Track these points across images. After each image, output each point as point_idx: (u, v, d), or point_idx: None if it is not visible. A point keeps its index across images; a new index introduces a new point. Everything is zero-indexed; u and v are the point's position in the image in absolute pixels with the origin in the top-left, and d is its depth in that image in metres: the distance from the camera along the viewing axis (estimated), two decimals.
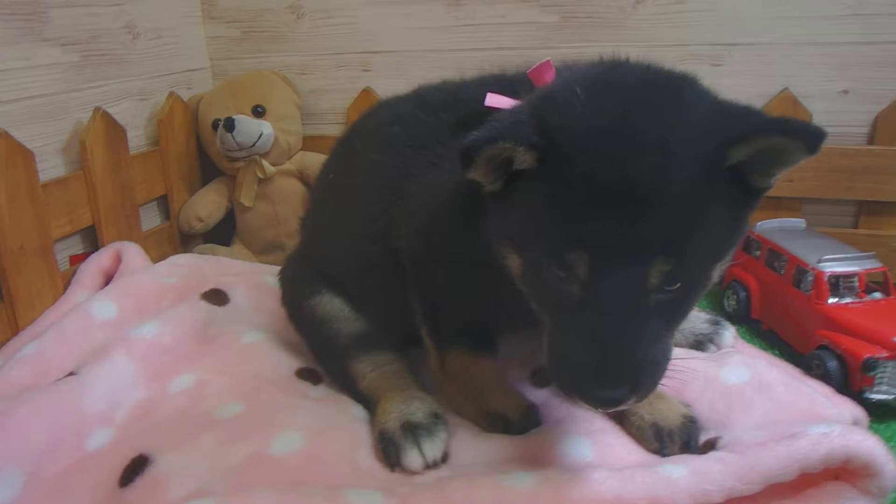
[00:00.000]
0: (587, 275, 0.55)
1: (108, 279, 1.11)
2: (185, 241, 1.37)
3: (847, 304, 0.97)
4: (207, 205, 1.34)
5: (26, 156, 1.00)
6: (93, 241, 1.17)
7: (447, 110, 0.81)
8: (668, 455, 0.73)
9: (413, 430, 0.72)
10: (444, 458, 0.73)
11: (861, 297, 0.98)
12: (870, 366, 0.88)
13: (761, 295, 1.10)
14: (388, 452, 0.71)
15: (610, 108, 0.56)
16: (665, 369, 0.58)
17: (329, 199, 0.94)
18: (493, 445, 0.75)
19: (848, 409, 0.79)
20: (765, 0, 1.19)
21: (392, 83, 1.37)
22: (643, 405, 0.76)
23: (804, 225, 1.17)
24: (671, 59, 1.23)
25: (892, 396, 0.88)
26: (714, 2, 1.21)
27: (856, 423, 0.78)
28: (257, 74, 1.37)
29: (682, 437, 0.74)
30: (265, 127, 1.29)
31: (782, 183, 1.19)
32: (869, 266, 1.00)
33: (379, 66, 1.39)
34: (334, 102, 1.43)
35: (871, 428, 0.85)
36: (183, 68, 1.41)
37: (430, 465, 0.70)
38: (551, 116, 0.57)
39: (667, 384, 0.75)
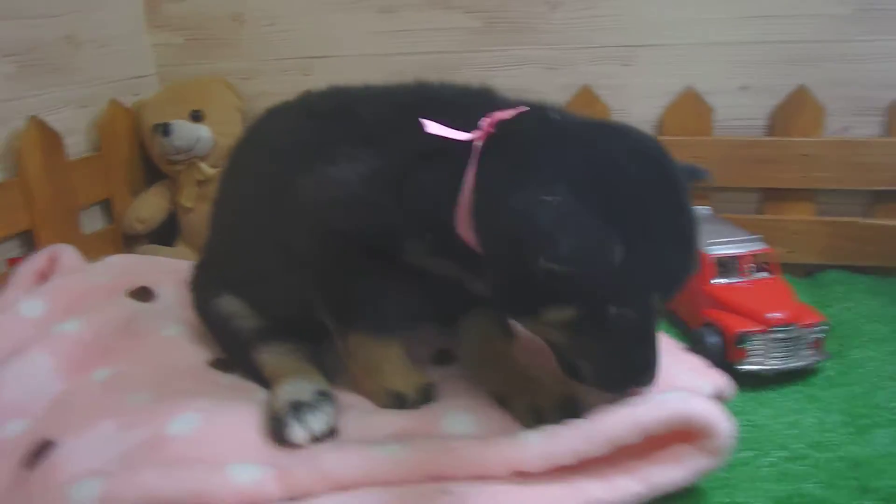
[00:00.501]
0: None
1: (43, 281, 1.15)
2: (130, 242, 1.43)
3: (730, 283, 1.04)
4: (149, 207, 1.40)
5: None
6: (31, 244, 1.23)
7: (337, 120, 0.85)
8: None
9: (298, 407, 0.77)
10: (332, 433, 0.78)
11: (745, 277, 1.05)
12: (742, 339, 0.95)
13: None
14: (275, 429, 0.77)
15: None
16: None
17: (222, 209, 1.00)
18: (384, 421, 0.80)
19: (712, 380, 0.85)
20: (669, 4, 1.27)
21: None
22: (521, 388, 0.82)
23: (709, 212, 1.25)
24: (585, 59, 1.32)
25: (761, 367, 0.96)
26: (622, 7, 1.29)
27: (718, 393, 0.84)
28: (197, 80, 1.44)
29: (559, 418, 0.76)
30: (203, 131, 1.36)
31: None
32: (753, 248, 1.07)
33: (319, 70, 1.46)
34: None
35: (743, 396, 0.93)
36: (128, 75, 1.47)
37: (316, 439, 0.76)
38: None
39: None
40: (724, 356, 0.97)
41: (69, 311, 1.05)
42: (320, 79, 1.44)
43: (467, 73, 1.38)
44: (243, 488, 0.69)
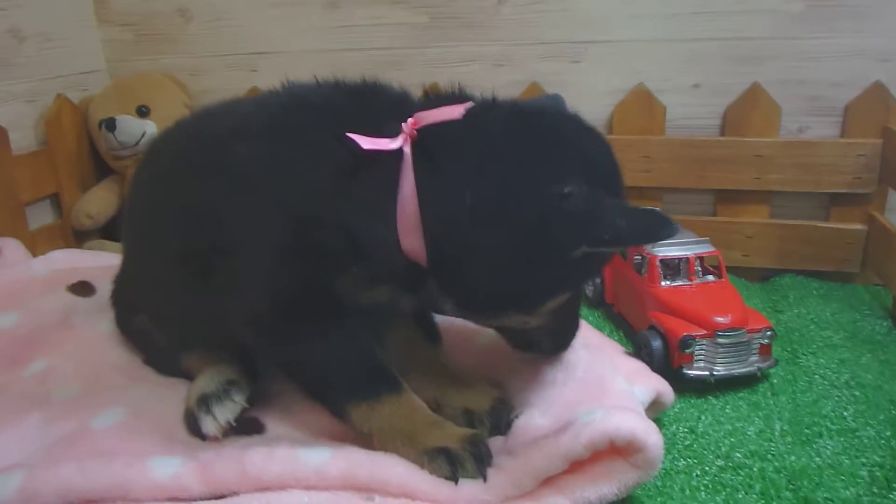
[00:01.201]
0: None
1: None
2: (80, 237, 1.41)
3: (677, 286, 1.02)
4: (97, 202, 1.38)
5: None
6: None
7: (235, 137, 0.76)
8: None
9: (206, 400, 0.77)
10: (250, 422, 0.78)
11: (692, 280, 1.03)
12: (686, 343, 0.93)
13: (613, 281, 1.16)
14: (190, 424, 0.77)
15: None
16: None
17: (133, 230, 0.91)
18: (311, 417, 0.79)
19: (650, 386, 0.84)
20: None
21: (277, 82, 1.41)
22: (453, 393, 0.80)
23: None
24: (533, 56, 1.30)
25: (706, 373, 0.94)
26: (571, 2, 1.27)
27: (657, 397, 0.83)
28: (144, 76, 1.42)
29: (491, 420, 0.78)
30: (149, 126, 1.34)
31: (640, 174, 1.27)
32: (700, 250, 1.05)
33: (265, 66, 1.44)
34: None
35: (686, 402, 0.92)
36: (76, 70, 1.44)
37: (231, 428, 0.76)
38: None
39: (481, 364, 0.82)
40: (668, 360, 0.95)
41: (7, 305, 1.04)
42: (266, 75, 1.43)
43: (413, 70, 1.36)
44: (162, 482, 0.67)
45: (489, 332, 0.95)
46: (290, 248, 0.70)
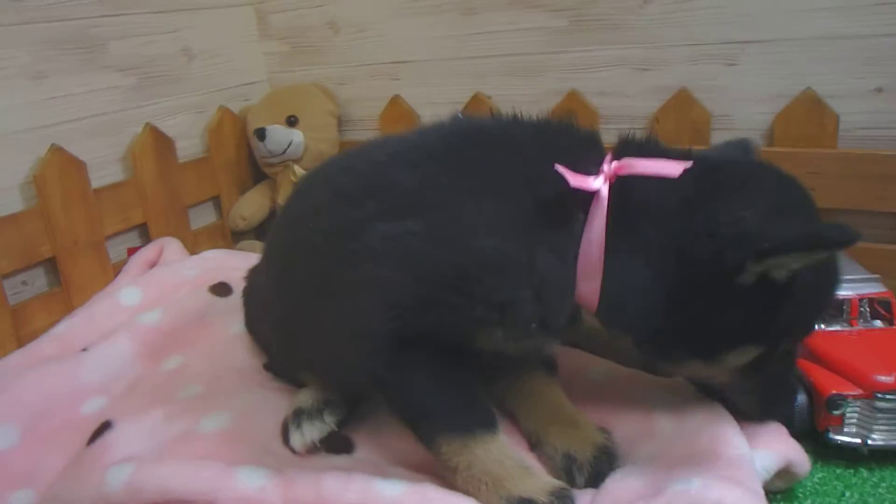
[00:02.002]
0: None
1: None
2: (236, 237, 1.54)
3: (833, 332, 0.87)
4: (250, 205, 1.49)
5: (79, 166, 1.20)
6: (147, 235, 1.36)
7: (370, 197, 0.70)
8: (577, 486, 0.72)
9: (299, 415, 0.80)
10: (340, 441, 0.80)
11: (853, 326, 0.88)
12: (836, 404, 0.79)
13: None
14: (284, 434, 0.80)
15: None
16: None
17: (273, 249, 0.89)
18: (401, 444, 0.79)
19: (779, 450, 0.72)
20: None
21: (418, 90, 1.45)
22: (557, 431, 0.76)
23: None
24: (682, 58, 1.18)
25: (859, 441, 0.79)
26: None
27: (788, 467, 0.72)
28: (296, 87, 1.51)
29: (590, 470, 0.73)
30: (296, 135, 1.42)
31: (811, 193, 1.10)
32: (868, 290, 0.88)
33: (406, 74, 1.46)
34: (368, 110, 1.52)
35: (830, 474, 0.79)
36: (239, 83, 1.57)
37: (311, 447, 0.78)
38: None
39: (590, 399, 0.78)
40: (812, 421, 0.82)
41: (158, 302, 1.15)
42: (408, 83, 1.45)
43: (551, 75, 1.29)
44: (247, 493, 0.71)
45: (604, 366, 0.89)
46: (445, 283, 0.64)
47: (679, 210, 0.64)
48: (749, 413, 0.75)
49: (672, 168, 0.65)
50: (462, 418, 0.69)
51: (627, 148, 0.69)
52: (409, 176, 0.69)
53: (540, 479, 0.68)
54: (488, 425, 0.70)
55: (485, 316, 0.65)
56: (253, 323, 1.02)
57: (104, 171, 1.28)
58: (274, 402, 0.88)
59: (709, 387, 0.77)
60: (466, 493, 0.68)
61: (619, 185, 0.66)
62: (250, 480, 0.72)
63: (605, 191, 0.65)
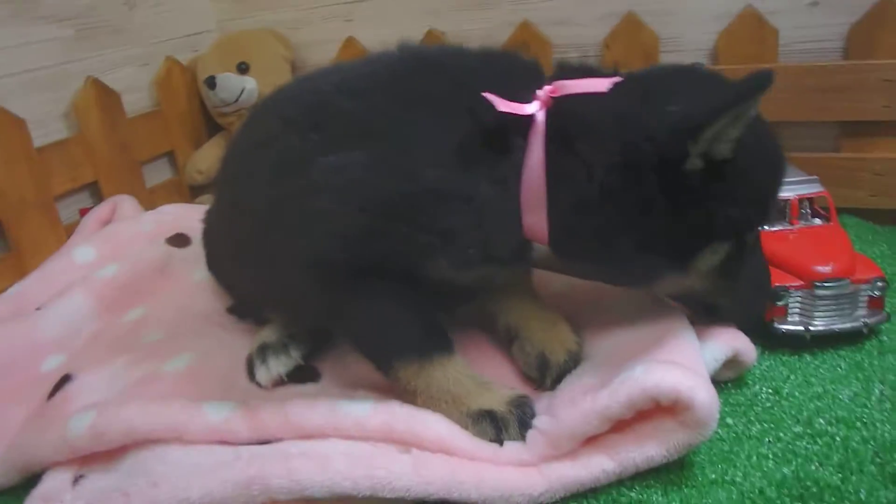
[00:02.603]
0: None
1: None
2: (195, 192, 1.52)
3: (776, 231, 0.91)
4: (206, 158, 1.47)
5: (18, 123, 1.16)
6: (99, 195, 1.33)
7: (314, 129, 0.70)
8: (543, 388, 0.76)
9: (264, 350, 0.81)
10: (304, 372, 0.81)
11: (794, 224, 0.92)
12: (778, 295, 0.83)
13: None
14: (248, 371, 0.82)
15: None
16: None
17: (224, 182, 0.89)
18: (367, 369, 0.79)
19: (726, 341, 0.76)
20: None
21: (372, 31, 1.44)
22: (536, 328, 0.79)
23: None
24: None
25: (801, 328, 0.83)
26: None
27: (736, 356, 0.76)
28: (246, 33, 1.48)
29: (559, 373, 0.76)
30: (248, 82, 1.40)
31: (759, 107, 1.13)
32: (806, 191, 0.93)
33: (359, 15, 1.44)
34: (322, 54, 1.50)
35: (775, 360, 0.83)
36: (186, 32, 1.53)
37: (278, 381, 0.80)
38: None
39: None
40: None
41: (113, 257, 1.14)
42: (361, 24, 1.44)
43: (504, 7, 1.30)
44: (214, 425, 0.72)
45: (566, 279, 0.91)
46: (390, 213, 0.65)
47: (614, 124, 0.64)
48: (727, 314, 0.76)
49: (601, 84, 0.66)
50: (418, 343, 0.71)
51: (562, 73, 0.70)
52: (353, 105, 0.69)
53: (497, 392, 0.71)
54: (444, 348, 0.71)
55: (428, 244, 0.66)
56: (214, 263, 1.01)
57: (47, 128, 1.25)
58: (238, 342, 0.89)
59: (687, 301, 0.77)
60: (428, 409, 0.70)
61: (555, 110, 0.67)
62: (217, 413, 0.73)
63: (540, 116, 0.66)
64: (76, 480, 0.72)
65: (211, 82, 1.38)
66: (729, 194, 0.65)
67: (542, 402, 0.73)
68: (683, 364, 0.67)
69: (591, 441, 0.66)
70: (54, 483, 0.71)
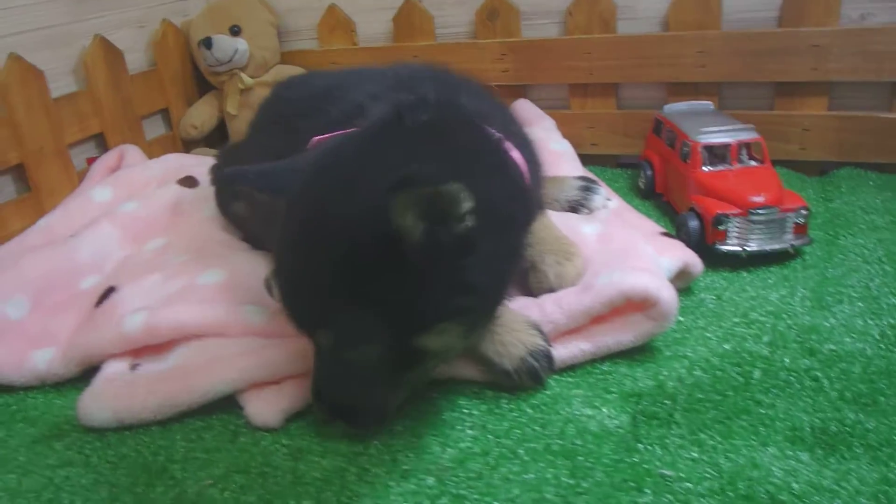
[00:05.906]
0: None
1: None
2: (187, 146, 1.61)
3: (718, 171, 1.08)
4: (200, 114, 1.57)
5: (38, 75, 1.25)
6: (104, 146, 1.42)
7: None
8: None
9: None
10: None
11: (733, 165, 1.09)
12: (720, 220, 1.00)
13: (662, 171, 1.22)
14: (268, 290, 0.89)
15: None
16: None
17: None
18: None
19: (678, 255, 0.92)
20: None
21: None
22: (550, 262, 0.87)
23: (711, 107, 1.26)
24: None
25: (738, 248, 1.00)
26: None
27: (685, 268, 0.92)
28: None
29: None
30: (240, 44, 1.50)
31: (697, 69, 1.30)
32: (743, 137, 1.10)
33: None
34: (306, 20, 1.61)
35: (717, 275, 1.00)
36: None
37: None
38: None
39: None
40: (703, 238, 1.02)
41: (130, 196, 1.24)
42: None
43: None
44: (253, 327, 0.85)
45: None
46: None
47: None
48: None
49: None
50: None
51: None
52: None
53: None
54: None
55: None
56: (226, 203, 1.12)
57: (59, 81, 1.33)
58: (258, 262, 0.99)
59: None
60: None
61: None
62: (256, 317, 0.86)
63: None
64: (133, 367, 0.84)
65: (208, 42, 1.48)
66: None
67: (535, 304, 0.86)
68: (647, 269, 0.83)
69: (573, 331, 0.82)
70: (114, 368, 0.83)
